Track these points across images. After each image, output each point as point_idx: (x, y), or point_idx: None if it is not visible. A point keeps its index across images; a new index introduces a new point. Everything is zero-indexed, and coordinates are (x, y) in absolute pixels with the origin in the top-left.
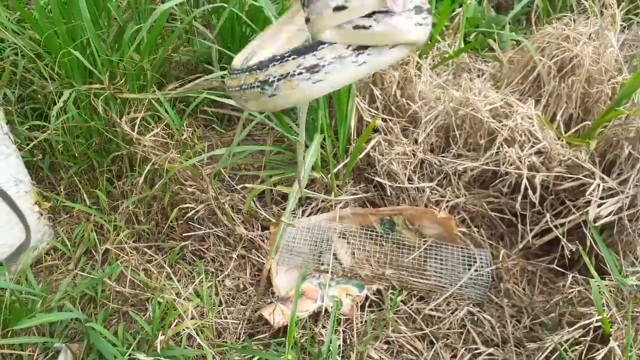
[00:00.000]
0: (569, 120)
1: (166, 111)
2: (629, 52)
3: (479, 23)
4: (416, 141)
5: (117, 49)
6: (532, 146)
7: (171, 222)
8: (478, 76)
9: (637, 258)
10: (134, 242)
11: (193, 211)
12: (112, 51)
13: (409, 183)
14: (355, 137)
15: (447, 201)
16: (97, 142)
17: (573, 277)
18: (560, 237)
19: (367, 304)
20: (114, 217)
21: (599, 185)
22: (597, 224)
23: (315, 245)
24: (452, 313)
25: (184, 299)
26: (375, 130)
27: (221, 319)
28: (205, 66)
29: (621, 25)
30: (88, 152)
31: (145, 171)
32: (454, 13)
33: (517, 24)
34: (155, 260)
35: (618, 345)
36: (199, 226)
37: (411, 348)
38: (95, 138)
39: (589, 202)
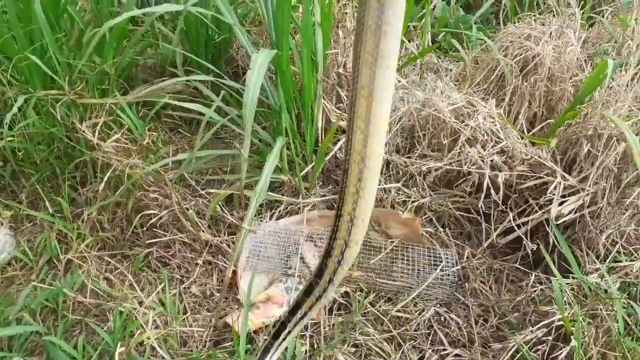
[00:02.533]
0: (533, 118)
1: (128, 116)
2: (592, 49)
3: (446, 23)
4: None
5: (79, 53)
6: (495, 145)
7: (135, 228)
8: (445, 76)
9: (599, 255)
10: (98, 249)
11: (157, 217)
12: (73, 55)
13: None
14: (323, 139)
15: (413, 201)
16: (59, 148)
17: (536, 275)
18: (522, 236)
19: (335, 307)
20: (78, 224)
21: (560, 183)
22: (558, 222)
23: (283, 249)
24: (419, 314)
25: (146, 308)
26: (343, 132)
27: (186, 327)
28: (171, 70)
29: (585, 23)
30: (50, 159)
31: (105, 178)
32: (421, 13)
33: (487, 23)
34: (118, 269)
35: (580, 344)
36: (163, 232)
37: (379, 350)
38: (57, 144)
39: (551, 201)
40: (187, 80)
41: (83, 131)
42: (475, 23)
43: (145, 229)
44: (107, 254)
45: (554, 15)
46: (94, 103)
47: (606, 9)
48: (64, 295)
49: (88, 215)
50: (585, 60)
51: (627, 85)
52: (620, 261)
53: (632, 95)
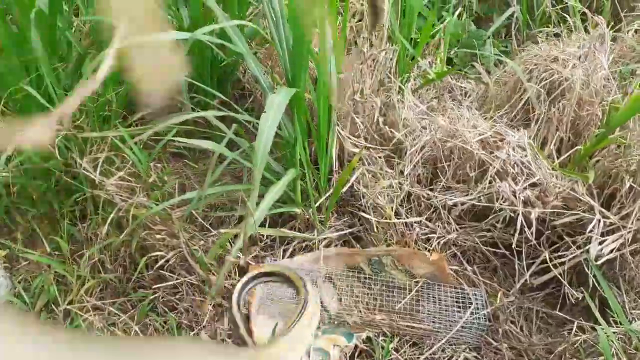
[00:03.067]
0: (560, 144)
1: (131, 150)
2: (615, 68)
3: (459, 38)
4: (402, 173)
5: (78, 80)
6: (527, 179)
7: (140, 270)
8: (462, 95)
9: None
10: (100, 290)
11: (163, 260)
12: (71, 82)
13: (397, 218)
14: (337, 168)
15: (438, 237)
16: (57, 183)
17: (578, 324)
18: (564, 281)
19: (357, 353)
20: (78, 265)
21: (599, 220)
22: (598, 262)
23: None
24: None
25: None
26: (359, 160)
27: None
28: (174, 97)
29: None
30: (47, 195)
31: (109, 219)
32: (435, 30)
33: (498, 37)
34: (122, 318)
35: None
36: (170, 274)
37: None
38: (54, 179)
39: (588, 238)
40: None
41: (84, 168)
42: (488, 37)
43: (150, 270)
44: (110, 301)
45: (571, 32)
46: (95, 137)
47: (630, 27)
48: None
49: (89, 256)
50: (613, 82)
51: None
52: None
53: None
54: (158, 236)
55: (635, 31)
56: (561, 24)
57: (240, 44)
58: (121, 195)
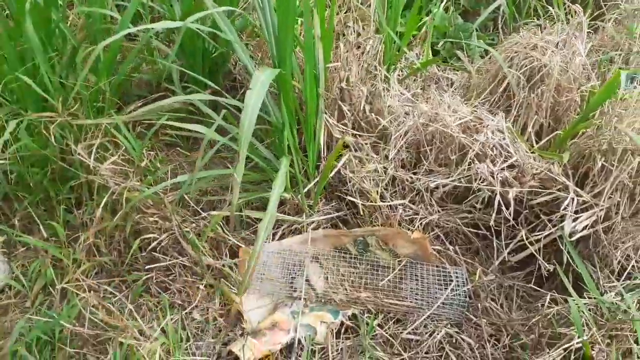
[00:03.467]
0: (539, 129)
1: (125, 137)
2: (595, 57)
3: (446, 31)
4: (387, 157)
5: (73, 71)
6: (505, 161)
7: (134, 252)
8: (448, 86)
9: (613, 271)
10: (95, 273)
11: (156, 241)
12: (67, 73)
13: (382, 201)
14: (325, 154)
15: (421, 218)
16: (53, 170)
17: (551, 296)
18: (538, 256)
19: (343, 330)
20: (74, 249)
21: (573, 199)
22: (572, 239)
23: (287, 271)
24: (430, 335)
25: (147, 338)
26: (346, 147)
27: (189, 355)
28: (168, 86)
29: (587, 32)
30: (43, 181)
31: (103, 202)
32: (421, 22)
33: (485, 30)
34: (117, 297)
35: None
36: (163, 256)
37: None
38: (50, 166)
39: (563, 216)
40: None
41: (79, 154)
42: (475, 30)
43: (144, 252)
44: (105, 281)
45: (554, 22)
46: (90, 124)
47: (609, 16)
48: (61, 325)
49: (84, 239)
50: (590, 70)
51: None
52: (636, 277)
53: None
54: (151, 219)
55: (615, 21)
56: (545, 17)
57: (229, 32)
58: (115, 180)
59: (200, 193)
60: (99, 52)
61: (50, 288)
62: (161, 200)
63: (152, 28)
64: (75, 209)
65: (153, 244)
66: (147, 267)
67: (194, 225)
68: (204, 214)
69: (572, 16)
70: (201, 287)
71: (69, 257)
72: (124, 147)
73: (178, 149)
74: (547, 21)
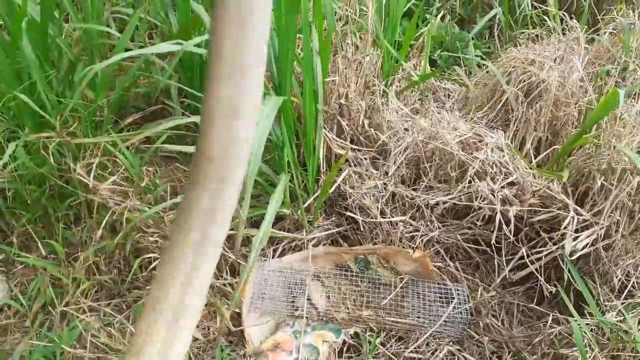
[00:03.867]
0: (537, 144)
1: (124, 155)
2: (592, 68)
3: (443, 40)
4: (387, 173)
5: (70, 87)
6: (505, 178)
7: (134, 272)
8: (445, 97)
9: (613, 289)
10: (95, 292)
11: (157, 261)
12: (63, 89)
13: (382, 217)
14: (325, 169)
15: (422, 235)
16: (51, 187)
17: (553, 315)
18: (539, 277)
19: (345, 349)
20: (74, 267)
21: (573, 218)
22: (573, 257)
23: (288, 289)
24: (432, 354)
25: None
26: (345, 161)
27: None
28: (164, 101)
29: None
30: (42, 199)
31: (104, 223)
32: (418, 32)
33: (480, 38)
34: (118, 318)
35: None
36: None
37: None
38: (48, 184)
39: (563, 234)
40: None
41: (78, 173)
42: (472, 39)
43: (144, 272)
44: (105, 303)
45: (550, 33)
46: (88, 142)
47: (605, 30)
48: (62, 349)
49: (84, 258)
50: (588, 83)
51: (637, 114)
52: (637, 295)
53: None
54: (151, 239)
55: (610, 33)
56: (541, 26)
57: None
58: (114, 199)
59: None
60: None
61: (50, 308)
62: (162, 220)
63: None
64: (74, 226)
65: (154, 264)
66: (148, 287)
67: None
68: None
69: (567, 26)
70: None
71: (68, 276)
72: (123, 166)
73: (176, 164)
74: (544, 32)
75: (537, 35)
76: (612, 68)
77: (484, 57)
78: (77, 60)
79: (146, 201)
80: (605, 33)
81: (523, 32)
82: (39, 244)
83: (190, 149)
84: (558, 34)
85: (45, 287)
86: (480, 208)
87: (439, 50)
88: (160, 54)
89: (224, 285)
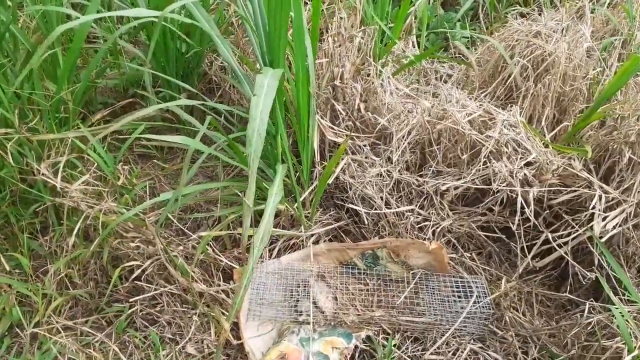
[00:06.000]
0: (545, 120)
1: (96, 152)
2: (593, 43)
3: (429, 22)
4: (389, 160)
5: (28, 80)
6: (522, 158)
7: (114, 283)
8: (437, 79)
9: None
10: (70, 308)
11: (139, 270)
12: (22, 83)
13: (387, 208)
14: (319, 159)
15: (433, 225)
16: (12, 192)
17: (590, 304)
18: (572, 261)
19: (357, 354)
20: (43, 283)
21: (600, 196)
22: (603, 239)
23: (290, 292)
24: (454, 354)
25: None
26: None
27: None
28: (137, 91)
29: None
30: (1, 206)
31: (76, 229)
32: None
33: (464, 19)
34: (97, 337)
35: None
36: (147, 285)
37: None
38: (9, 188)
39: (589, 215)
40: (166, 107)
41: (42, 173)
42: (458, 20)
43: (125, 282)
44: (82, 321)
45: (540, 11)
46: (53, 139)
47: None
48: None
49: (55, 271)
50: (592, 54)
51: None
52: None
53: None
54: (132, 244)
55: (609, 4)
56: (528, 4)
57: (207, 25)
58: (87, 202)
59: (183, 210)
60: (58, 56)
61: (18, 329)
62: (142, 222)
63: (120, 24)
64: (41, 236)
65: (136, 273)
66: (130, 299)
67: (180, 247)
68: (193, 236)
69: (559, 2)
70: (194, 317)
71: (37, 292)
72: (95, 164)
73: (154, 161)
74: (534, 8)
75: (522, 14)
76: (616, 39)
77: (473, 34)
78: (35, 49)
79: (123, 202)
80: (605, 4)
81: (511, 11)
82: (1, 258)
83: (173, 139)
84: (547, 8)
85: (11, 306)
86: (498, 191)
87: (426, 33)
88: (129, 40)
89: (217, 292)
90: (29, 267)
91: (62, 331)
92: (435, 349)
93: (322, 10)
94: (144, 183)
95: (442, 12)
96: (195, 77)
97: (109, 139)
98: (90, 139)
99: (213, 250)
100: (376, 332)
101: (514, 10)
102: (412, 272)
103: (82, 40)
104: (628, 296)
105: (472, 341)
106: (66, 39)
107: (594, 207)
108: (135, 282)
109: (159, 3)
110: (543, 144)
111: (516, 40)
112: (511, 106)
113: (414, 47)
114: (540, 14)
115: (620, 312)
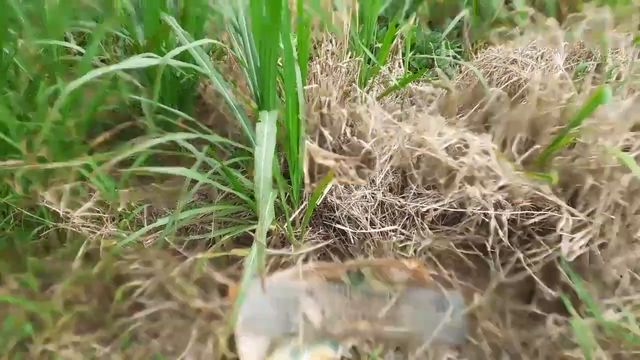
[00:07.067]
0: (519, 144)
1: (100, 179)
2: (566, 65)
3: (415, 42)
4: (373, 182)
5: (32, 109)
6: (495, 182)
7: (117, 301)
8: (423, 100)
9: (607, 287)
10: (76, 324)
11: (140, 289)
12: (24, 112)
13: (372, 227)
14: (308, 180)
15: (414, 244)
16: (16, 216)
17: (554, 317)
18: (539, 281)
19: None
20: (49, 301)
21: (568, 219)
22: (570, 259)
23: (282, 307)
24: None
25: None
26: (329, 171)
27: None
28: (135, 117)
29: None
30: (6, 229)
31: (79, 253)
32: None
33: (450, 39)
34: (103, 351)
35: None
36: (148, 301)
37: None
38: (12, 213)
39: (558, 236)
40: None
41: (48, 202)
42: (444, 40)
43: (127, 300)
44: (88, 336)
45: (521, 31)
46: (59, 167)
47: (576, 26)
48: None
49: (61, 290)
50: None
51: (622, 112)
52: (629, 292)
53: (629, 124)
54: (132, 266)
55: (585, 30)
56: (508, 24)
57: (205, 65)
58: (88, 227)
59: (179, 231)
60: (60, 89)
61: (27, 346)
62: (141, 245)
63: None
64: (45, 257)
65: (138, 291)
66: (133, 315)
67: (178, 268)
68: (190, 258)
69: (536, 23)
70: (193, 331)
71: (45, 309)
72: (96, 190)
73: (152, 183)
74: (516, 29)
75: (504, 33)
76: (589, 64)
77: (458, 56)
78: (37, 79)
79: (122, 226)
80: (579, 29)
81: (494, 31)
82: (9, 278)
83: (172, 171)
84: (530, 33)
85: (21, 324)
86: (473, 214)
87: (412, 53)
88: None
89: (214, 308)
90: (35, 286)
91: (70, 346)
92: (415, 358)
93: (312, 37)
94: (142, 206)
95: (428, 32)
96: (190, 101)
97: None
98: (95, 168)
99: (208, 269)
100: (361, 343)
101: (498, 30)
102: (394, 287)
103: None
104: (587, 309)
105: (449, 350)
106: (67, 68)
107: (561, 229)
108: (137, 299)
109: (152, 34)
110: (515, 167)
111: (494, 67)
112: (487, 131)
113: (400, 67)
114: (522, 33)
115: (580, 325)
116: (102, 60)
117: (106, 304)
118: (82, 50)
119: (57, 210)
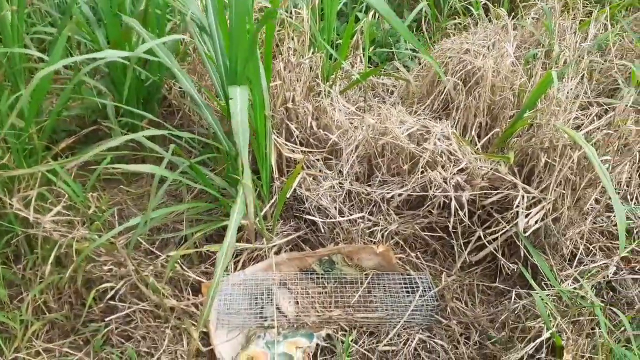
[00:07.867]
0: (479, 128)
1: (66, 183)
2: (519, 53)
3: (375, 37)
4: (341, 172)
5: None
6: (454, 166)
7: (89, 305)
8: (385, 91)
9: (564, 258)
10: (46, 332)
11: (113, 290)
12: None
13: (341, 216)
14: (277, 174)
15: (382, 230)
16: None
17: (515, 292)
18: (499, 256)
19: (319, 352)
20: (19, 310)
21: (523, 196)
22: (527, 234)
23: (255, 300)
24: (405, 344)
25: None
26: (297, 163)
27: None
28: (100, 120)
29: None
30: None
31: (51, 258)
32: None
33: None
34: (77, 356)
35: (572, 358)
36: (121, 304)
37: None
38: None
39: (515, 213)
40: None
41: (17, 208)
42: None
43: (99, 303)
44: (60, 342)
45: (476, 21)
46: (24, 173)
47: (527, 15)
48: None
49: (31, 298)
50: (519, 66)
51: (569, 93)
52: (584, 262)
53: (578, 104)
54: (104, 267)
55: (533, 18)
56: (465, 15)
57: (170, 62)
58: (60, 231)
59: (151, 231)
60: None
61: None
62: (114, 247)
63: (88, 61)
64: (14, 264)
65: (110, 294)
66: (105, 318)
67: (150, 267)
68: (162, 256)
69: (491, 14)
70: (167, 330)
71: (14, 319)
72: (65, 195)
73: (121, 186)
74: (470, 20)
75: (464, 25)
76: (538, 51)
77: (417, 49)
78: (0, 88)
79: (94, 229)
80: (528, 18)
81: (450, 23)
82: None
83: (141, 168)
84: (483, 22)
85: None
86: (435, 197)
87: (372, 47)
88: (89, 73)
89: (187, 306)
90: (5, 296)
91: (42, 353)
92: (388, 341)
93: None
94: (112, 208)
95: (387, 26)
96: (155, 102)
97: (75, 168)
98: (60, 172)
99: (181, 267)
100: (335, 330)
101: (454, 21)
102: (364, 273)
103: (49, 84)
104: (547, 281)
105: (420, 331)
106: (29, 75)
107: (517, 206)
108: (109, 302)
109: (117, 39)
110: (474, 151)
111: (449, 57)
112: (447, 118)
113: (362, 61)
114: (477, 24)
115: (540, 296)
116: (65, 67)
117: (78, 309)
118: (44, 57)
119: (27, 216)
